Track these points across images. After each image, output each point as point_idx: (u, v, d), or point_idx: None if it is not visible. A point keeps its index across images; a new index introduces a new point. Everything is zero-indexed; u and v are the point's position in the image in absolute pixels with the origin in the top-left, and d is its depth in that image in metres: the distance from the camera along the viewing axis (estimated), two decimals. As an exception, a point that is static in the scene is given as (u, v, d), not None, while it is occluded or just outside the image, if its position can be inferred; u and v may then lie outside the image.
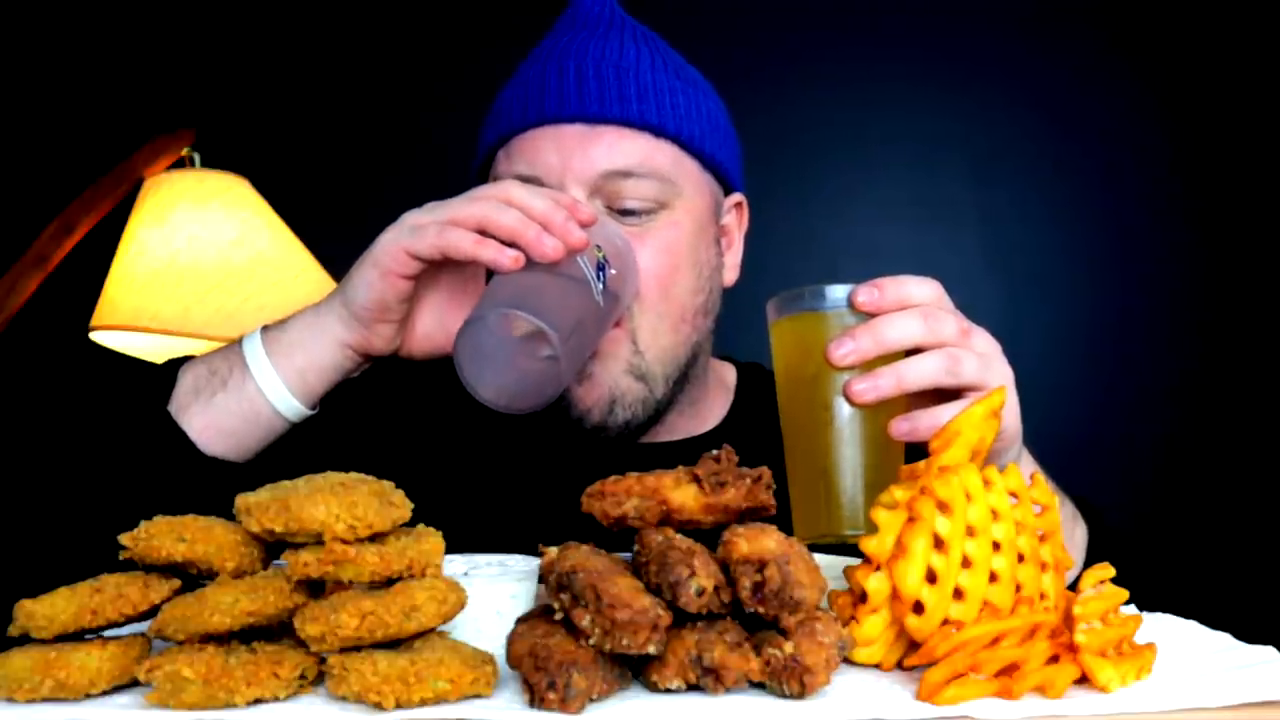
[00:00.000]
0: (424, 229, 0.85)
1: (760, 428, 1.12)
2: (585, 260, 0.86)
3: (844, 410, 0.78)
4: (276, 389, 0.90)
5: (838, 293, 0.80)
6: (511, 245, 0.84)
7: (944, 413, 0.78)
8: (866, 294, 0.79)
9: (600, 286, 0.87)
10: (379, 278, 0.87)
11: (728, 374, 1.18)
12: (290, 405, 0.91)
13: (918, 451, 0.82)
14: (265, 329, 0.92)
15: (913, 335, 0.78)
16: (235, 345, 0.92)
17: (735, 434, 1.10)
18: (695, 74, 1.07)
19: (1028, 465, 0.89)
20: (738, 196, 1.11)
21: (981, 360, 0.80)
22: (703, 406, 1.12)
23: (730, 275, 1.11)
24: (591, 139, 0.98)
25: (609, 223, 0.93)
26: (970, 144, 2.11)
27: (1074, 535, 0.93)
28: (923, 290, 0.80)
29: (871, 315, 0.78)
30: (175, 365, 0.96)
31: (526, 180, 0.98)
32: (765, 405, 1.14)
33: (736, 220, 1.12)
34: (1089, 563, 0.90)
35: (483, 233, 0.84)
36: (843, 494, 0.78)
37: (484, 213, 0.84)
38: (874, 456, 0.79)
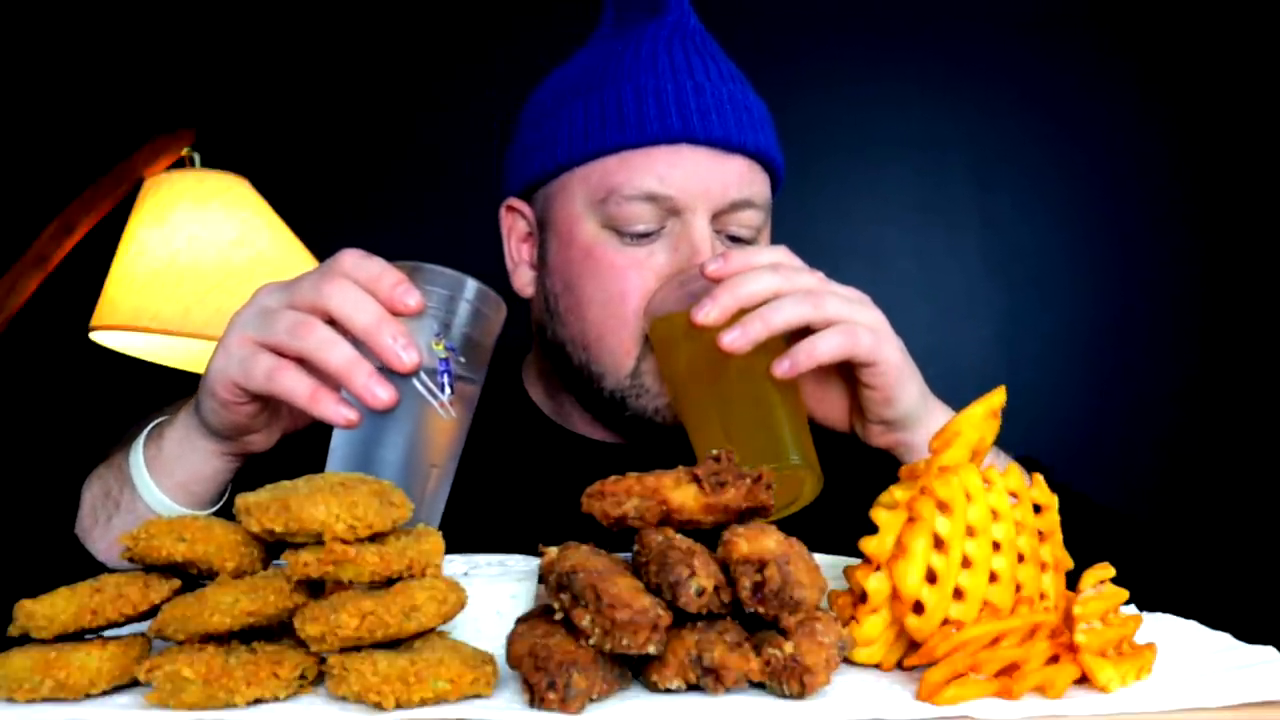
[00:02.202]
0: (253, 361, 0.77)
1: None
2: (423, 377, 0.77)
3: (730, 376, 0.82)
4: (165, 506, 0.85)
5: (694, 277, 0.85)
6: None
7: (819, 342, 0.81)
8: (714, 263, 0.83)
9: (447, 394, 0.78)
10: (220, 407, 0.80)
11: None
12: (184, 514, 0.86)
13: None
14: (149, 439, 0.87)
15: (769, 286, 0.81)
16: (125, 459, 0.87)
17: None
18: None
19: (939, 413, 0.90)
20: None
21: (845, 301, 0.83)
22: None
23: None
24: (725, 165, 0.98)
25: (446, 281, 0.79)
26: (972, 147, 2.11)
27: None
28: (770, 254, 0.84)
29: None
30: (85, 473, 0.91)
31: (654, 197, 0.96)
32: None
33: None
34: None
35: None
36: (754, 443, 0.81)
37: (312, 348, 0.75)
38: (771, 405, 0.83)
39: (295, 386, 0.76)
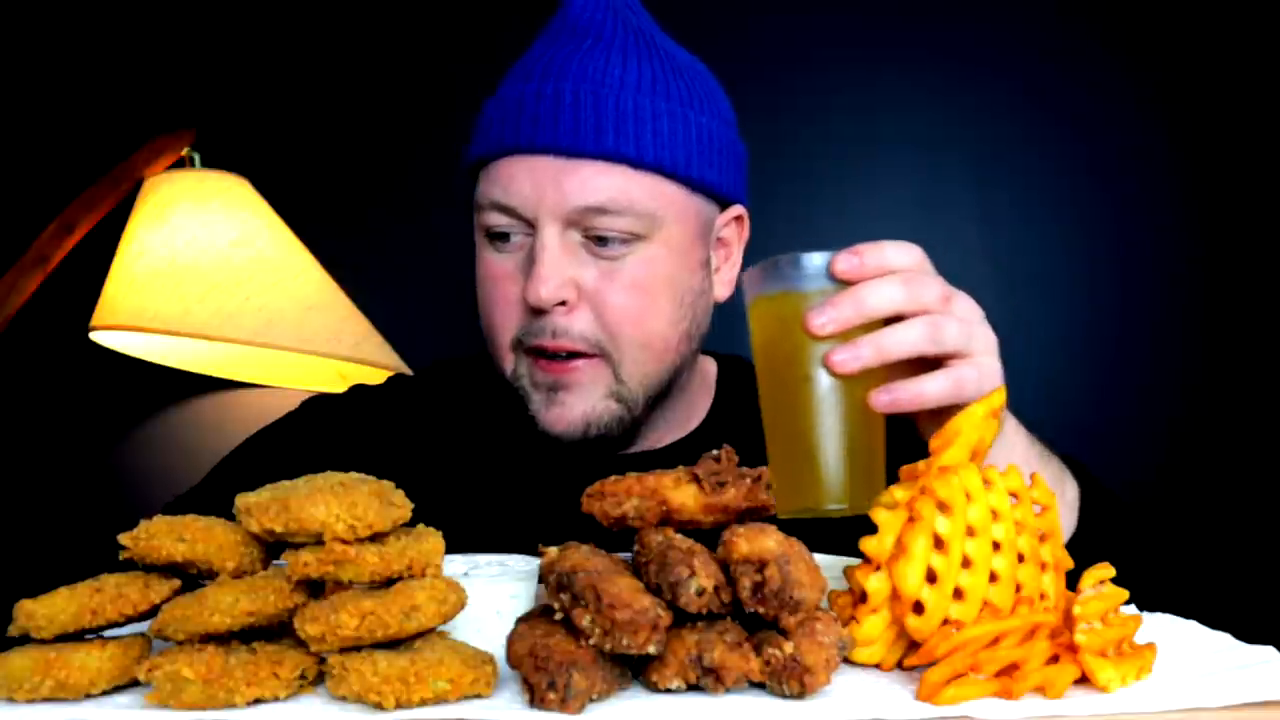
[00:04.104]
0: None
1: (744, 422, 1.12)
2: None
3: (824, 383, 0.77)
4: None
5: (815, 262, 0.78)
6: None
7: (926, 384, 0.77)
8: (846, 262, 0.77)
9: None
10: None
11: (709, 369, 1.17)
12: None
13: (900, 423, 0.82)
14: None
15: (894, 302, 0.77)
16: None
17: (719, 431, 1.10)
18: (692, 81, 1.04)
19: (1015, 435, 0.87)
20: (737, 209, 1.08)
21: (964, 326, 0.79)
22: (686, 410, 1.12)
23: (723, 291, 1.09)
24: (566, 173, 0.96)
25: None
26: (972, 144, 2.11)
27: (1064, 493, 0.90)
28: (903, 256, 0.79)
29: (851, 283, 0.77)
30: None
31: (503, 208, 0.98)
32: (747, 399, 1.15)
33: (736, 233, 1.09)
34: (1084, 522, 0.89)
35: None
36: (825, 468, 0.76)
37: None
38: (856, 429, 0.77)
39: None
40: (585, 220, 0.97)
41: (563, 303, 0.97)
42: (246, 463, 1.11)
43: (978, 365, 0.79)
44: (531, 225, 0.98)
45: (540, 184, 0.96)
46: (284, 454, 1.10)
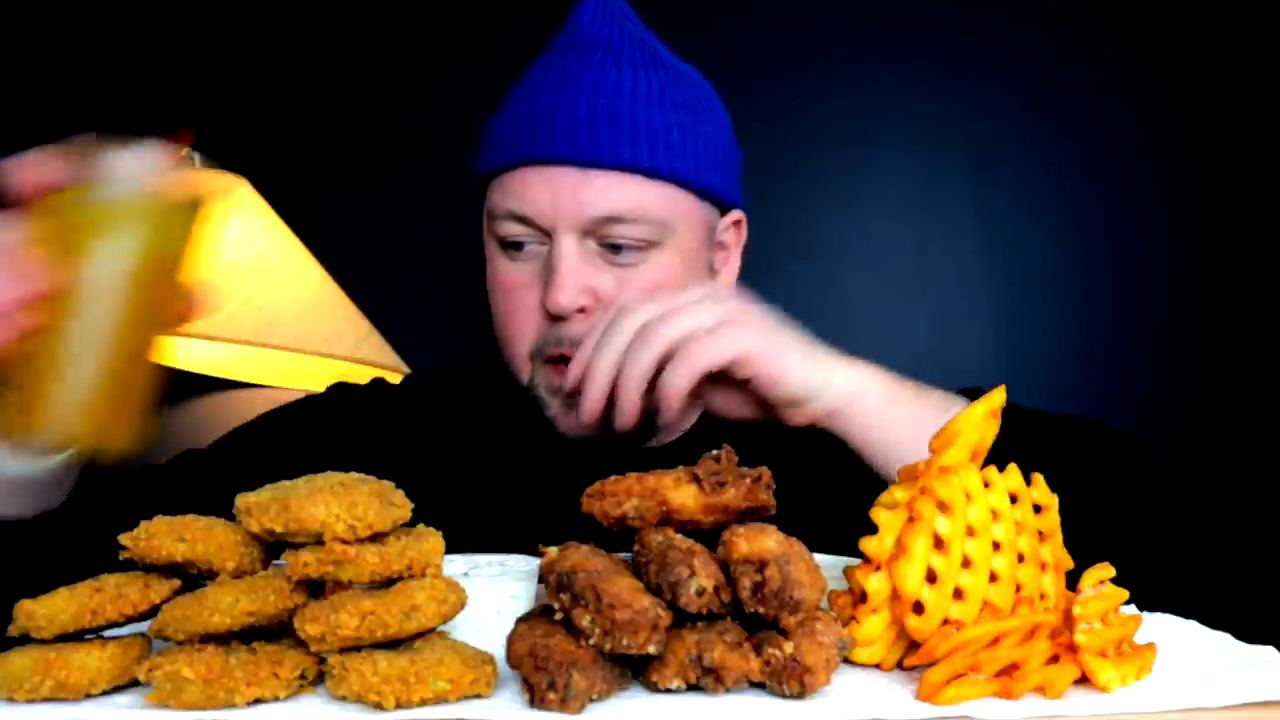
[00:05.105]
0: None
1: (726, 422, 1.14)
2: None
3: (94, 314, 0.70)
4: None
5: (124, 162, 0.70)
6: None
7: (668, 380, 0.88)
8: (569, 378, 0.98)
9: None
10: None
11: None
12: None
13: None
14: None
15: (614, 360, 0.89)
16: None
17: (707, 432, 1.11)
18: (693, 90, 1.07)
19: (840, 370, 0.93)
20: (736, 214, 1.10)
21: (678, 317, 0.89)
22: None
23: None
24: (583, 184, 0.98)
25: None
26: (971, 145, 2.11)
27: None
28: (601, 334, 0.91)
29: None
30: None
31: (519, 219, 0.99)
32: None
33: (735, 237, 1.12)
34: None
35: None
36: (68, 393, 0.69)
37: None
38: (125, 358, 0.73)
39: None
40: (601, 229, 0.99)
41: (581, 309, 0.99)
42: (264, 433, 1.12)
43: (713, 332, 0.89)
44: (547, 234, 1.00)
45: (558, 194, 0.98)
46: (301, 433, 1.11)
